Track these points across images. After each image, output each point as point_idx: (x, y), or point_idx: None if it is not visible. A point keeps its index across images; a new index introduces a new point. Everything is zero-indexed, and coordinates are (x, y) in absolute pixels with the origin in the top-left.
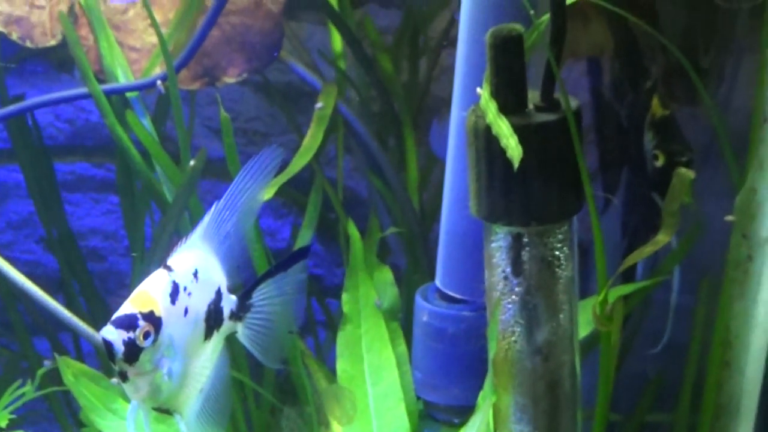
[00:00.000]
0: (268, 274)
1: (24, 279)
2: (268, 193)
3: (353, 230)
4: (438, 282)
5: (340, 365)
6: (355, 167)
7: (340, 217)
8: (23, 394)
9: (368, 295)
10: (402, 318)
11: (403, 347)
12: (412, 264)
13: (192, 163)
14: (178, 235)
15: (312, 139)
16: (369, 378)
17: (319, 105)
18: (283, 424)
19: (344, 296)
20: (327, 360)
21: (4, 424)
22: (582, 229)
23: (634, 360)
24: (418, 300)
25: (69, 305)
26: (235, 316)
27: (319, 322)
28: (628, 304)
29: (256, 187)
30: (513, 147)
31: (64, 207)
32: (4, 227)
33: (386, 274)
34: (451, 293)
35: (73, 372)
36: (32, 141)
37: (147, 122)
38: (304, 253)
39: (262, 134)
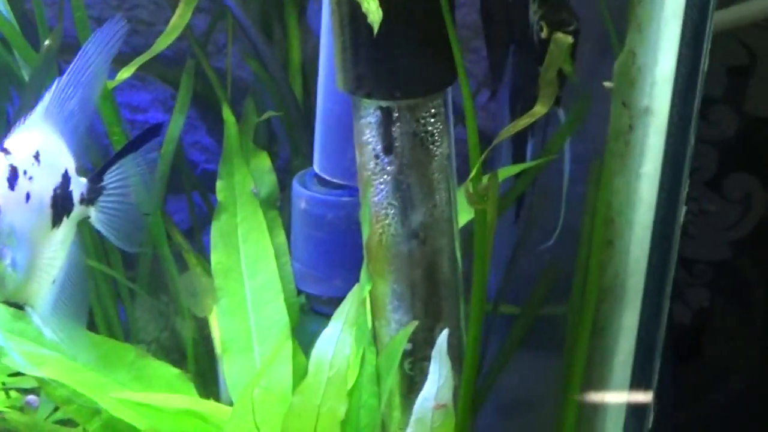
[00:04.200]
0: (119, 155)
1: None
2: (125, 73)
3: (227, 114)
4: (316, 167)
5: (215, 257)
6: (243, 57)
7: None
8: None
9: (244, 182)
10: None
11: (282, 237)
12: (294, 150)
13: (47, 42)
14: None
15: (179, 18)
16: (245, 270)
17: None
18: (136, 315)
19: (219, 184)
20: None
21: None
22: (485, 117)
23: (532, 252)
24: (296, 186)
25: None
26: (86, 200)
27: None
28: (518, 187)
29: (101, 62)
30: (373, 11)
31: None
32: None
33: (263, 161)
34: (329, 178)
35: None
36: None
37: (1, 3)
38: (155, 130)
39: (147, 23)
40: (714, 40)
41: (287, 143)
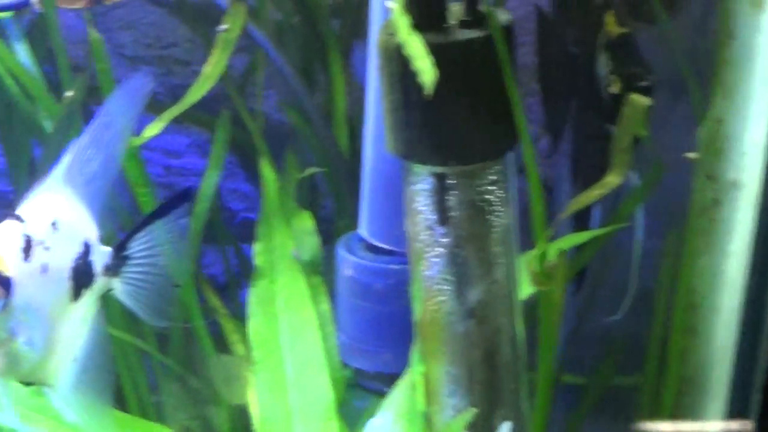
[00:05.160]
0: (146, 221)
1: None
2: (154, 128)
3: (267, 169)
4: (362, 230)
5: (252, 326)
6: (284, 99)
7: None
8: None
9: (284, 245)
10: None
11: (325, 305)
12: (339, 210)
13: (68, 93)
14: None
15: (214, 67)
16: (286, 341)
17: (222, 27)
18: (165, 401)
19: (256, 246)
20: None
21: None
22: (545, 165)
23: (598, 317)
24: (341, 251)
25: None
26: (110, 270)
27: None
28: (583, 256)
29: (125, 120)
30: (426, 70)
31: None
32: None
33: (306, 221)
34: (377, 243)
35: None
36: None
37: (22, 47)
38: (186, 195)
39: (182, 62)
40: None
41: (331, 198)
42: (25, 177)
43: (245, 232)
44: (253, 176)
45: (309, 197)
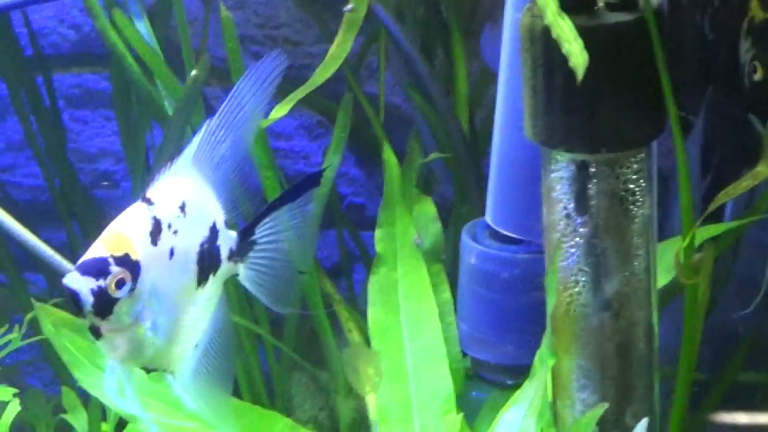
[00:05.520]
0: (273, 206)
1: None
2: (281, 110)
3: (389, 154)
4: (489, 218)
5: (372, 315)
6: (397, 82)
7: (379, 138)
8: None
9: (406, 231)
10: (447, 260)
11: (447, 294)
12: (460, 196)
13: (193, 73)
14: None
15: (339, 48)
16: (406, 331)
17: (349, 7)
18: (294, 391)
19: (377, 233)
20: (364, 305)
21: None
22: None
23: (723, 310)
24: (465, 239)
25: (70, 239)
26: (235, 256)
27: (358, 259)
28: (716, 248)
29: (255, 102)
30: (577, 53)
31: (64, 125)
32: (3, 148)
33: (428, 207)
34: (504, 231)
35: (53, 321)
36: (16, 49)
37: (143, 25)
38: (315, 179)
39: (293, 42)
40: None
41: (450, 185)
42: (141, 159)
43: (352, 216)
44: (362, 160)
45: (423, 183)
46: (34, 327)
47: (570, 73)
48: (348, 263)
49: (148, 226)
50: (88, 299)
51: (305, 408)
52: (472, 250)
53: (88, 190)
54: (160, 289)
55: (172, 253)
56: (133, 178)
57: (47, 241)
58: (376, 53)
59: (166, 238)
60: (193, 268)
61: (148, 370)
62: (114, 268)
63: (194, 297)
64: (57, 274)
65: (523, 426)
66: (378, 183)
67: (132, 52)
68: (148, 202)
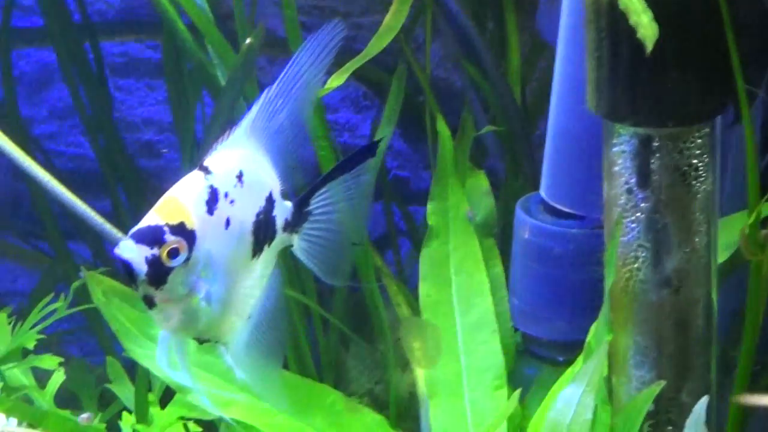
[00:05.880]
0: (329, 177)
1: (48, 177)
2: (337, 80)
3: (443, 127)
4: (543, 192)
5: (424, 289)
6: (446, 54)
7: (430, 110)
8: (55, 311)
9: (459, 205)
10: (499, 234)
11: (499, 269)
12: (513, 169)
13: (248, 41)
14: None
15: (394, 17)
16: (457, 305)
17: None
18: (349, 365)
19: (430, 206)
20: (410, 279)
21: (31, 344)
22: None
23: None
24: (519, 213)
25: (115, 208)
26: (290, 226)
27: (402, 233)
28: None
29: (314, 72)
30: (646, 25)
31: (110, 94)
32: (46, 116)
33: (481, 181)
34: (558, 206)
35: (103, 290)
36: (67, 16)
37: None
38: (371, 150)
39: (341, 13)
40: None
41: (502, 159)
42: (190, 129)
43: (396, 190)
44: (407, 133)
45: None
46: (76, 296)
47: (637, 45)
48: (394, 236)
49: (205, 195)
50: (142, 268)
51: (361, 382)
52: (526, 224)
53: (134, 160)
54: (215, 259)
55: (228, 222)
56: (182, 148)
57: None
58: (422, 26)
59: (222, 208)
60: (249, 239)
61: (200, 341)
62: (169, 237)
63: (249, 268)
64: (102, 244)
65: (581, 403)
66: (422, 156)
67: (184, 19)
68: (206, 170)
